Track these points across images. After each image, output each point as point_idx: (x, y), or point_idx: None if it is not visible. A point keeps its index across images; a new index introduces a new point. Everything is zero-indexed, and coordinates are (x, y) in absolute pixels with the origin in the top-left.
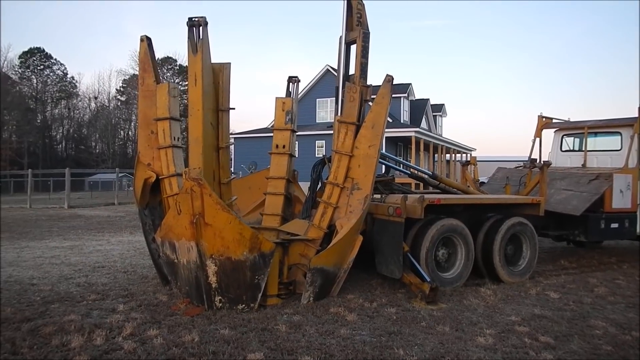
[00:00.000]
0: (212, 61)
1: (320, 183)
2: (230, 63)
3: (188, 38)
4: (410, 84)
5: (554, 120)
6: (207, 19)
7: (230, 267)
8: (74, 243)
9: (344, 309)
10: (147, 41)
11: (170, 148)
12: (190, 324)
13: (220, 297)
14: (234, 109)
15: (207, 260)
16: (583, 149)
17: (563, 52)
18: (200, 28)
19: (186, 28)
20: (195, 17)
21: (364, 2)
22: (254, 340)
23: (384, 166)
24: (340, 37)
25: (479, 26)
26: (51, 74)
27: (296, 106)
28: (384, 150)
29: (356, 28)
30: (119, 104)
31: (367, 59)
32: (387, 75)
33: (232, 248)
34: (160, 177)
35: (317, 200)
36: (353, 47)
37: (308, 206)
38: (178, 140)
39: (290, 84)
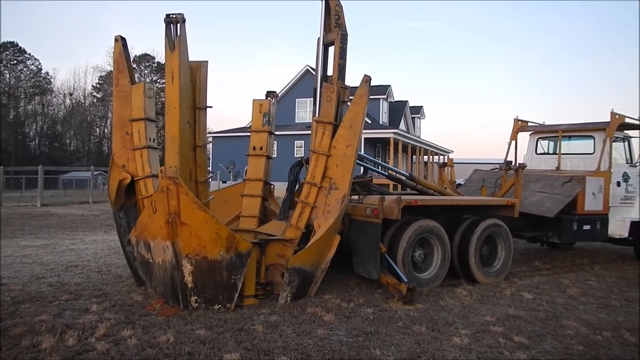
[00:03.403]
0: (190, 59)
1: (297, 185)
2: (207, 61)
3: (165, 35)
4: (389, 85)
5: (529, 124)
6: (186, 17)
7: (207, 267)
8: (46, 242)
9: (321, 309)
10: (121, 41)
11: (146, 149)
12: (165, 324)
13: (196, 297)
14: (211, 107)
15: (183, 260)
16: (557, 152)
17: (541, 57)
18: (178, 25)
19: (164, 25)
20: (173, 14)
21: (342, 4)
22: (230, 341)
23: (362, 167)
24: (319, 38)
25: (458, 29)
26: (25, 69)
27: (274, 110)
28: (362, 151)
29: (334, 29)
30: (94, 100)
31: (345, 60)
32: (365, 75)
33: (208, 247)
34: (135, 179)
35: (294, 201)
36: (331, 49)
37: (285, 207)
38: (154, 141)
39: (269, 98)
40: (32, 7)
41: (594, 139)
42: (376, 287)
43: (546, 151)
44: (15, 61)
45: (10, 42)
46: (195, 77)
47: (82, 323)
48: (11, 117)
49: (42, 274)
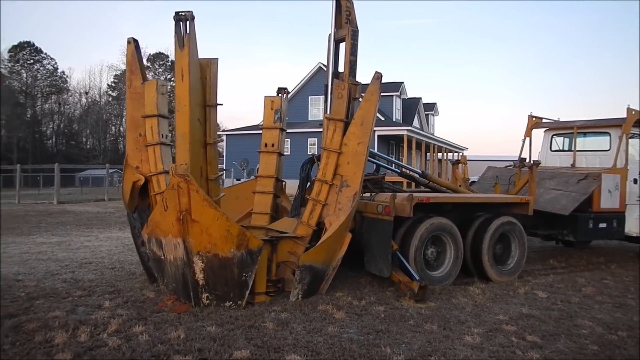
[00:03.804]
0: (200, 56)
1: (309, 182)
2: (217, 58)
3: (175, 33)
4: (402, 82)
5: (543, 120)
6: (196, 14)
7: (218, 264)
8: (61, 239)
9: (332, 306)
10: (134, 43)
11: (158, 145)
12: (176, 320)
13: (207, 294)
14: (221, 104)
15: (194, 257)
16: (572, 148)
17: (557, 51)
18: (187, 22)
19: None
20: (182, 12)
21: (352, 0)
22: (240, 338)
23: (374, 165)
24: (330, 34)
25: (472, 25)
26: (41, 68)
27: (285, 106)
28: (375, 149)
29: (345, 26)
30: (110, 99)
31: (356, 56)
32: (376, 72)
33: (219, 245)
34: (148, 175)
35: (306, 198)
36: (342, 45)
37: (297, 204)
38: (166, 137)
39: (280, 94)
40: (48, 7)
41: (609, 135)
42: (388, 285)
43: (561, 148)
44: (31, 61)
45: (26, 42)
46: (205, 74)
47: (94, 319)
48: (28, 116)
49: (56, 271)
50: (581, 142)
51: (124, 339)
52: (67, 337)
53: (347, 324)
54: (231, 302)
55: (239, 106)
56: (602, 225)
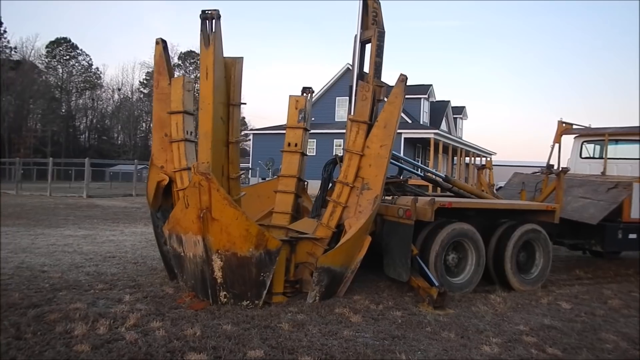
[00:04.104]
0: (225, 55)
1: (331, 182)
2: (242, 57)
3: (201, 31)
4: (431, 85)
5: (574, 126)
6: (224, 12)
7: (236, 263)
8: (88, 232)
9: (349, 310)
10: (162, 44)
11: (183, 142)
12: (193, 317)
13: (225, 293)
14: (245, 103)
15: (213, 255)
16: (603, 156)
17: (597, 54)
18: (213, 21)
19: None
20: (209, 10)
21: (380, 1)
22: (255, 338)
23: (397, 168)
24: (355, 35)
25: (503, 28)
26: (76, 64)
27: (310, 106)
28: (401, 152)
29: (371, 27)
30: (141, 96)
31: (381, 58)
32: (401, 74)
33: (238, 244)
34: (171, 172)
35: (326, 199)
36: (368, 46)
37: (318, 205)
38: (191, 134)
39: (304, 94)
40: (85, 5)
41: None
42: (407, 290)
43: (591, 155)
44: (67, 57)
45: (63, 38)
46: (230, 73)
47: (114, 312)
48: (63, 110)
49: (81, 263)
50: (612, 150)
51: (141, 333)
52: (87, 329)
53: (363, 328)
54: (248, 302)
55: (267, 105)
56: (632, 236)
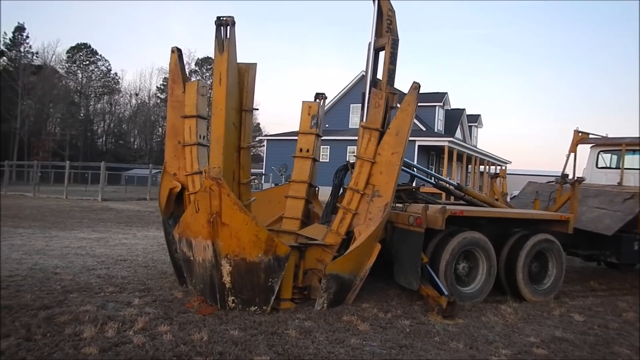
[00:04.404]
0: (239, 61)
1: (342, 189)
2: (256, 64)
3: (215, 37)
4: (446, 93)
5: (590, 136)
6: (240, 19)
7: (245, 268)
8: (101, 235)
9: (357, 317)
10: (177, 52)
11: (196, 146)
12: (201, 322)
13: (233, 298)
14: (257, 109)
15: (222, 260)
16: (620, 166)
17: (608, 65)
18: (228, 27)
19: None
20: (223, 17)
21: (395, 8)
22: (262, 344)
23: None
24: (369, 43)
25: (519, 37)
26: (96, 69)
27: (322, 112)
28: (415, 159)
29: (385, 34)
30: (158, 101)
31: (395, 65)
32: (414, 82)
33: (247, 249)
34: (184, 175)
35: (337, 206)
36: (382, 54)
37: (328, 211)
38: (204, 138)
39: (317, 100)
40: (106, 11)
41: None
42: (416, 299)
43: (608, 165)
44: (87, 62)
45: (83, 43)
46: (243, 79)
47: (122, 316)
48: (82, 114)
49: (93, 266)
50: (630, 160)
51: (148, 337)
52: (95, 332)
53: (371, 337)
54: (256, 307)
55: (283, 111)
56: None
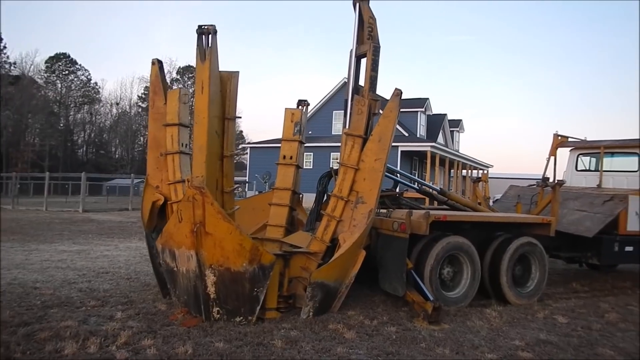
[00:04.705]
0: (221, 69)
1: (325, 196)
2: (238, 72)
3: (197, 46)
4: (427, 98)
5: (569, 139)
6: (223, 26)
7: (229, 278)
8: (82, 247)
9: (343, 325)
10: (158, 64)
11: (178, 154)
12: (185, 335)
13: (218, 309)
14: (240, 117)
15: (207, 270)
16: (599, 169)
17: (585, 71)
18: (210, 36)
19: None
20: (205, 25)
21: (375, 16)
22: (247, 356)
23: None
24: (351, 50)
25: (499, 43)
26: (75, 79)
27: (305, 119)
28: (398, 165)
29: (367, 42)
30: (140, 110)
31: (376, 72)
32: (396, 89)
33: (231, 259)
34: (166, 184)
35: (321, 212)
36: (363, 61)
37: (312, 218)
38: (186, 146)
39: (300, 107)
40: (85, 19)
41: (638, 156)
42: (402, 305)
43: (587, 168)
44: (66, 72)
45: (62, 53)
46: (225, 87)
47: (105, 330)
48: (62, 125)
49: (74, 279)
50: (608, 162)
51: (132, 352)
52: (77, 348)
53: (357, 345)
54: (241, 318)
55: (266, 119)
56: (629, 248)
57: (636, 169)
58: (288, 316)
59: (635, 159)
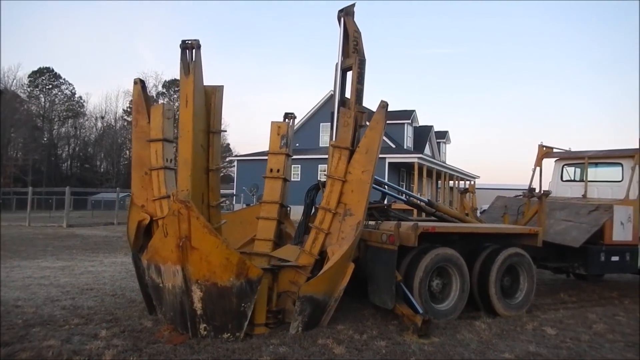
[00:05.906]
0: (205, 83)
1: (313, 208)
2: (223, 86)
3: (180, 60)
4: (414, 110)
5: (554, 150)
6: (206, 41)
7: (216, 293)
8: (66, 263)
9: (332, 340)
10: (140, 84)
11: (163, 170)
12: (172, 353)
13: (205, 325)
14: (225, 131)
15: (193, 286)
16: (584, 179)
17: (569, 83)
18: (194, 50)
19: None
20: (189, 40)
21: (360, 30)
22: None
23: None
24: (337, 63)
25: (485, 55)
26: (59, 93)
27: (292, 132)
28: (385, 176)
29: (352, 55)
30: (125, 124)
31: (362, 85)
32: (382, 101)
33: (218, 273)
34: (152, 199)
35: (309, 225)
36: (349, 74)
37: (300, 232)
38: (170, 162)
39: (286, 120)
40: (70, 32)
41: (622, 166)
42: (392, 318)
43: (572, 178)
44: (50, 86)
45: (46, 67)
46: (210, 101)
47: (89, 349)
48: (45, 139)
49: (57, 297)
50: (593, 173)
51: None
52: None
53: None
54: (229, 334)
55: (253, 131)
56: (615, 258)
57: (620, 179)
58: (277, 331)
59: (619, 169)
